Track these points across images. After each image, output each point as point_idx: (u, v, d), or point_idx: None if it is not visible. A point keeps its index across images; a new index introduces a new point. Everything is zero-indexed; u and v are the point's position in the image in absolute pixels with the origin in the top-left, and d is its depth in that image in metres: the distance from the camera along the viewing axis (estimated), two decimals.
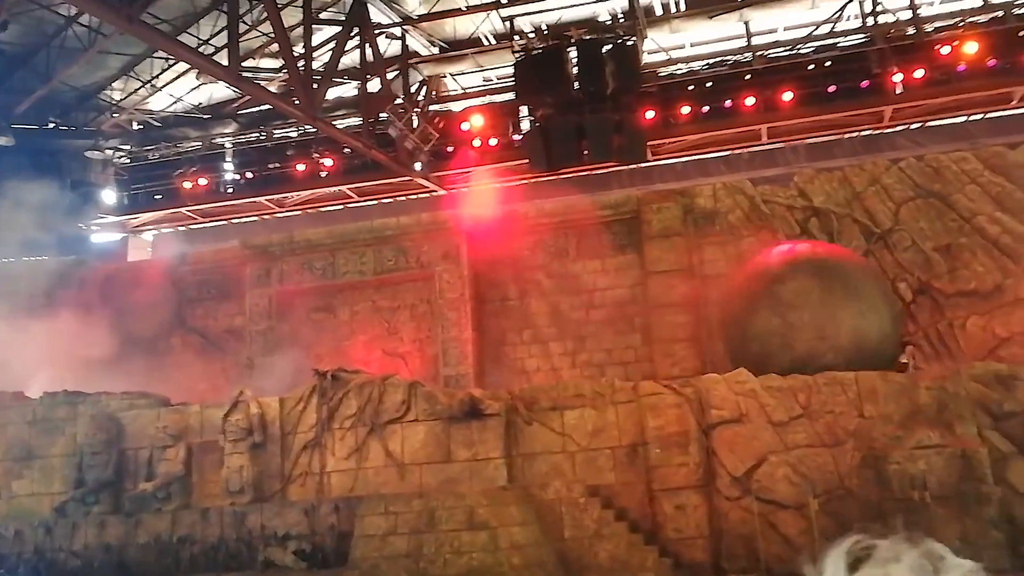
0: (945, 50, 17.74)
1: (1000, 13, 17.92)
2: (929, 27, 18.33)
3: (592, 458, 13.45)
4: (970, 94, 17.17)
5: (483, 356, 17.33)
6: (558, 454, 13.59)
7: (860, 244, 16.02)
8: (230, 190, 22.57)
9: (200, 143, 22.92)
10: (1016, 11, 17.94)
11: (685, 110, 19.55)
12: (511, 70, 18.32)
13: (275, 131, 22.64)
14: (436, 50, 21.10)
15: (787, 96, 18.72)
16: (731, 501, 12.72)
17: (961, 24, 18.09)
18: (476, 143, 20.40)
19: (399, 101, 19.66)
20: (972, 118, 17.91)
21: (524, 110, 19.92)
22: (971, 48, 17.56)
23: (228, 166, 22.89)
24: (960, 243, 15.61)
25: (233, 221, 23.45)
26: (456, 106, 21.49)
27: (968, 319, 15.13)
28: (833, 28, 19.24)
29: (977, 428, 12.51)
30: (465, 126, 20.61)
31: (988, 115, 17.67)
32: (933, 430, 12.45)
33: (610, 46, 16.42)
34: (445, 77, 22.01)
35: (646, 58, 18.64)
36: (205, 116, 22.71)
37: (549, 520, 12.99)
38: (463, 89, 22.39)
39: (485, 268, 17.75)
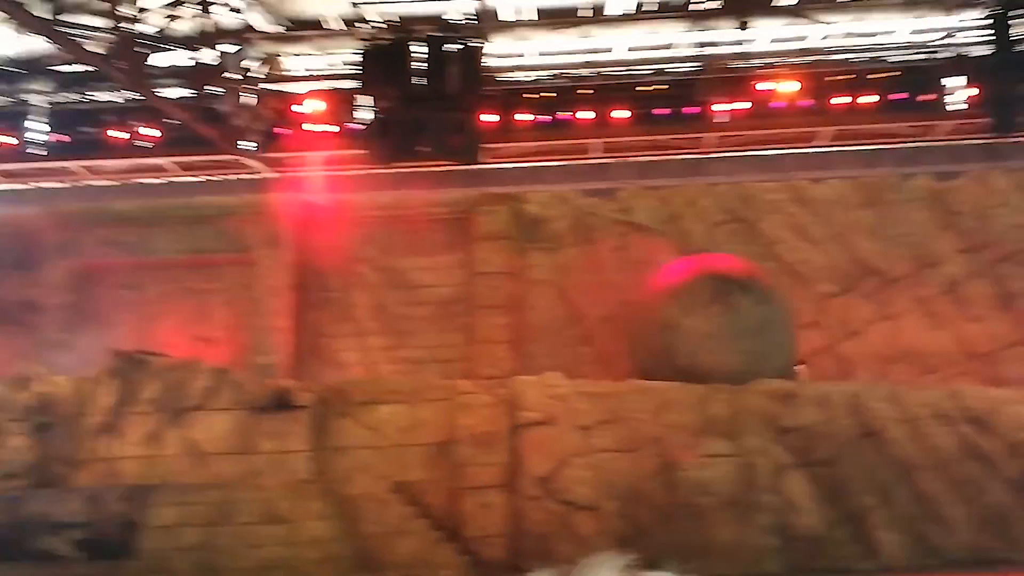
0: (765, 86, 18.85)
1: (815, 58, 19.28)
2: (753, 63, 19.47)
3: (402, 454, 13.39)
4: (783, 130, 18.36)
5: (300, 347, 16.92)
6: (368, 449, 13.44)
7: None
8: (39, 152, 20.88)
9: (10, 98, 21.08)
10: (829, 57, 19.36)
11: (525, 117, 19.84)
12: (355, 58, 17.99)
13: (96, 94, 21.15)
14: (279, 28, 20.40)
15: (621, 114, 19.37)
16: (533, 501, 13.01)
17: (781, 65, 19.33)
18: (312, 128, 19.83)
19: (234, 76, 18.86)
20: (783, 152, 19.18)
21: (365, 100, 19.62)
22: (788, 88, 18.75)
23: (39, 126, 21.18)
24: (763, 267, 16.68)
25: (40, 185, 21.72)
26: (294, 88, 20.84)
27: None
28: (668, 54, 20.09)
29: (762, 440, 13.39)
30: (301, 109, 20.00)
31: (797, 151, 18.98)
32: (723, 440, 13.22)
33: (456, 46, 16.47)
34: (285, 57, 21.31)
35: (492, 62, 18.82)
36: (18, 70, 20.93)
37: (351, 516, 12.83)
38: (304, 71, 21.76)
39: (309, 257, 17.34)
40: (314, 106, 20.04)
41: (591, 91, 19.75)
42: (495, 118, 19.60)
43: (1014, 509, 12.74)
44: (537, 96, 20.04)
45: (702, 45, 19.93)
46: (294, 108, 20.03)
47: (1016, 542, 12.41)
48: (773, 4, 18.97)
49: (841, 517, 12.50)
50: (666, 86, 19.53)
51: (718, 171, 18.59)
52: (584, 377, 14.93)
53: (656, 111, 19.27)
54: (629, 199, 17.38)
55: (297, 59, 21.32)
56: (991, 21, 15.32)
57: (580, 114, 19.56)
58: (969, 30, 17.67)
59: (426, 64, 16.26)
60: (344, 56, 21.39)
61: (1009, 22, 15.17)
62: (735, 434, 13.38)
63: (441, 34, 16.79)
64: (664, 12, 20.02)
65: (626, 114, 19.48)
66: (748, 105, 18.63)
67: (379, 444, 13.44)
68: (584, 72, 20.54)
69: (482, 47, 16.96)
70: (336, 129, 20.03)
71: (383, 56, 16.40)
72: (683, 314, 14.71)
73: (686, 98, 19.18)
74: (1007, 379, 15.23)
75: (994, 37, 15.33)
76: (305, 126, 19.84)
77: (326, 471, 13.38)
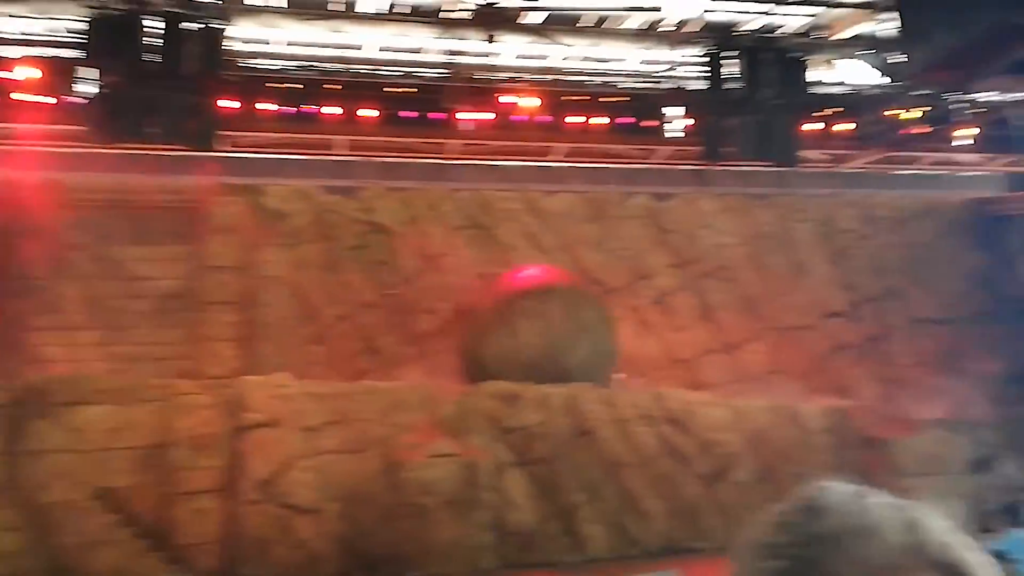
0: (508, 99, 19.55)
1: (556, 76, 20.31)
2: (498, 76, 20.15)
3: (107, 459, 12.43)
4: (522, 142, 19.16)
5: None
6: (69, 454, 12.34)
7: (412, 263, 16.99)
8: None
9: None
10: (568, 77, 20.47)
11: (267, 107, 19.16)
12: (80, 25, 16.48)
13: None
14: None
15: (369, 113, 19.26)
16: (252, 505, 12.60)
17: (524, 80, 20.16)
18: (22, 97, 17.92)
19: None
20: (522, 164, 20.03)
21: (89, 73, 18.04)
22: (529, 102, 19.57)
23: None
24: (496, 273, 17.30)
25: None
26: (4, 52, 18.71)
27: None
28: (417, 58, 20.30)
29: (486, 440, 13.88)
30: (12, 76, 18.01)
31: (534, 163, 19.89)
32: (449, 440, 13.54)
33: (196, 25, 15.59)
34: None
35: (235, 46, 18.02)
36: None
37: (46, 526, 11.73)
38: (18, 35, 19.61)
39: (8, 240, 15.61)
40: (27, 74, 18.14)
41: (339, 87, 19.48)
42: (235, 105, 18.79)
43: (704, 502, 14.14)
44: (282, 86, 19.43)
45: (451, 53, 20.37)
46: (2, 74, 18.01)
47: (705, 532, 13.77)
48: (520, 21, 19.81)
49: (553, 512, 13.23)
50: (414, 90, 19.69)
51: (460, 177, 19.01)
52: (315, 378, 14.69)
53: (403, 113, 19.35)
54: (371, 199, 17.33)
55: (10, 21, 19.20)
56: (706, 60, 16.92)
57: (326, 109, 19.22)
58: (688, 65, 19.44)
59: (162, 41, 15.27)
60: (67, 23, 19.57)
61: (721, 62, 16.84)
62: (461, 434, 13.76)
63: (180, 10, 15.85)
64: (416, 16, 20.25)
65: (373, 113, 19.41)
66: (491, 116, 19.24)
67: (82, 448, 12.39)
68: (333, 67, 20.24)
69: (225, 29, 16.21)
70: (53, 101, 18.27)
71: (113, 27, 15.21)
72: (524, 320, 15.32)
73: (433, 103, 19.43)
74: (704, 383, 16.89)
75: (708, 74, 16.95)
76: (14, 95, 17.91)
77: (19, 478, 12.13)
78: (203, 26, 15.83)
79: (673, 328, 17.86)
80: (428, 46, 20.41)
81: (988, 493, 14.88)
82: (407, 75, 20.26)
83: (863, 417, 15.82)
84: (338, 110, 19.15)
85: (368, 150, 20.01)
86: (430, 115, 18.95)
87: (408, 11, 20.33)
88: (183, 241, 16.39)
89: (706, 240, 18.84)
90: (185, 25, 15.68)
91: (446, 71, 20.28)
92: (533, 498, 13.51)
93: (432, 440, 13.50)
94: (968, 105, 17.95)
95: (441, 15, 20.11)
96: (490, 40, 19.53)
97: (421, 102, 19.61)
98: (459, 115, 18.76)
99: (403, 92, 19.63)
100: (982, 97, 18.62)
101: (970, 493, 15.00)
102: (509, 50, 21.31)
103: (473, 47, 20.58)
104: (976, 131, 18.55)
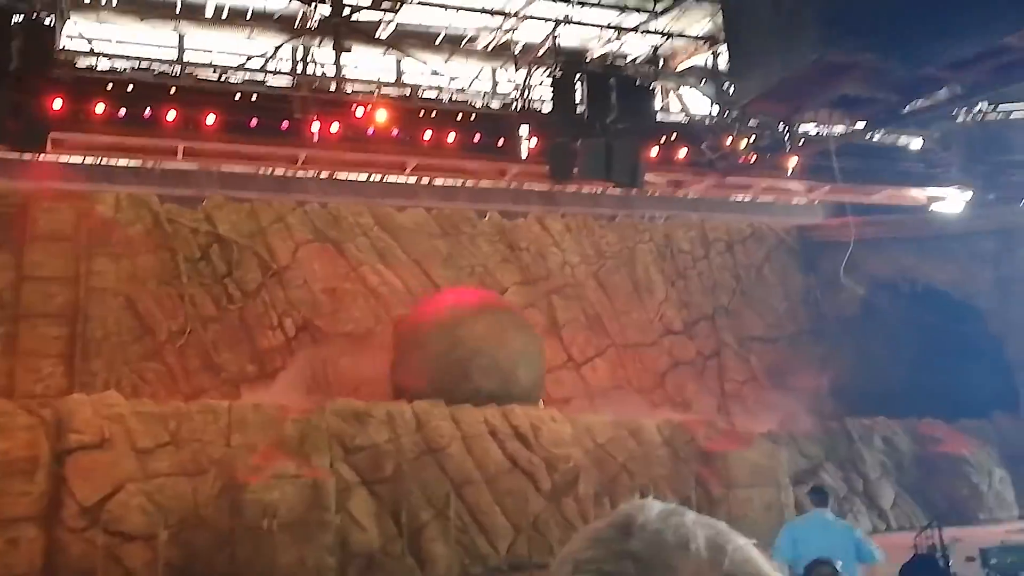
0: (360, 112, 19.30)
1: (408, 91, 20.26)
2: (349, 88, 19.89)
3: None
4: (374, 156, 18.96)
5: None
6: None
7: (256, 277, 16.46)
8: None
9: None
10: (421, 93, 20.45)
11: (99, 108, 18.08)
12: None
13: None
14: None
15: (210, 119, 18.51)
16: (75, 533, 11.79)
17: (376, 92, 19.99)
18: None
19: None
20: (373, 178, 19.82)
21: None
22: (381, 116, 19.37)
23: None
24: (345, 288, 17.04)
25: None
26: None
27: (341, 358, 16.50)
28: (265, 65, 19.73)
29: (331, 460, 13.57)
30: None
31: (386, 178, 19.74)
32: (292, 460, 13.15)
33: (25, 17, 14.54)
34: None
35: (65, 43, 16.94)
36: None
37: None
38: None
39: None
40: None
41: (180, 91, 18.65)
42: (65, 105, 17.66)
43: (550, 517, 14.36)
44: (118, 88, 18.42)
45: (303, 62, 19.95)
46: None
47: (551, 547, 13.96)
48: (374, 34, 19.66)
49: (398, 532, 13.07)
50: (262, 98, 19.11)
51: (308, 190, 18.60)
52: (149, 396, 13.94)
53: (249, 122, 18.75)
54: (213, 209, 16.67)
55: None
56: (555, 82, 17.35)
57: (166, 114, 18.36)
58: (539, 87, 19.88)
59: None
60: None
61: (569, 85, 17.30)
62: (305, 454, 13.39)
63: (6, 1, 14.76)
64: (265, 22, 19.73)
65: (217, 120, 18.70)
66: (342, 128, 18.94)
67: None
68: (174, 70, 19.38)
69: (57, 25, 15.21)
70: None
71: None
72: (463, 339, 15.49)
73: (281, 112, 18.93)
74: (549, 399, 17.21)
75: (556, 96, 17.38)
76: None
77: None
78: (32, 20, 14.81)
79: None
80: (279, 54, 19.93)
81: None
82: (255, 83, 19.66)
83: (699, 431, 16.57)
84: (176, 114, 18.34)
85: (210, 158, 19.25)
86: (278, 125, 18.46)
87: (258, 16, 19.82)
88: (1, 249, 15.19)
89: (554, 258, 19.26)
90: (13, 18, 14.63)
91: (297, 81, 19.84)
92: (378, 518, 13.32)
93: (274, 461, 13.06)
94: (792, 136, 19.24)
95: (294, 24, 19.74)
96: (344, 51, 19.29)
97: (268, 111, 19.05)
98: (309, 126, 18.38)
99: (250, 100, 19.04)
100: (805, 129, 20.04)
101: (795, 502, 16.00)
102: (363, 62, 21.13)
103: (326, 57, 20.24)
104: (799, 161, 19.93)
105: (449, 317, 15.72)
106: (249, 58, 19.62)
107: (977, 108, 22.81)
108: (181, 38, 19.61)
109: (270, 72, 19.76)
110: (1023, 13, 10.35)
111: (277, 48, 19.85)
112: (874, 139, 21.10)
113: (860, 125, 17.22)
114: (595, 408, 16.94)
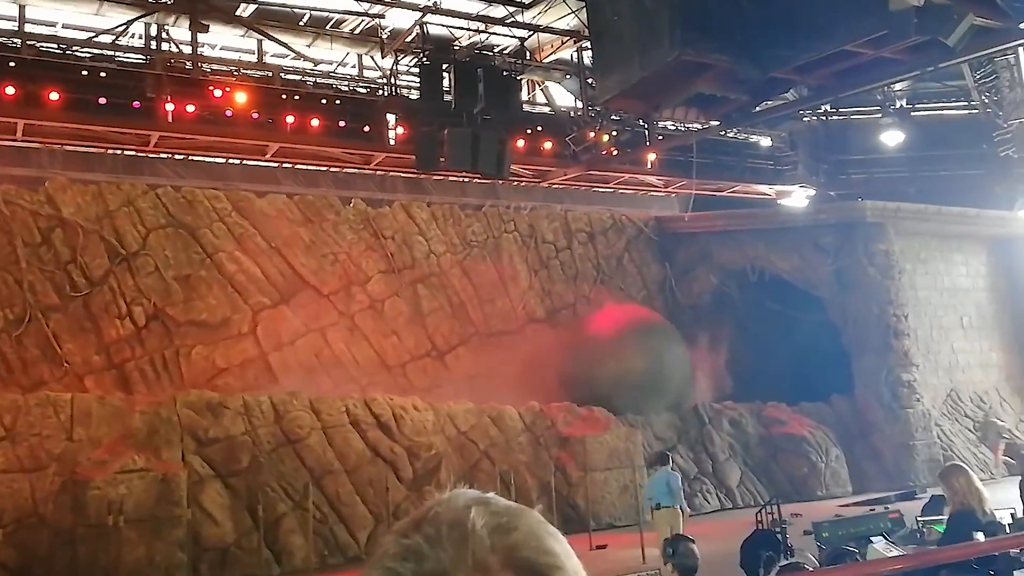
0: (218, 93, 18.63)
1: (270, 73, 19.69)
2: (207, 67, 19.16)
3: None
4: (233, 139, 18.34)
5: None
6: None
7: (103, 263, 15.67)
8: None
9: None
10: (283, 75, 19.92)
11: None
12: None
13: None
14: None
15: (54, 96, 17.44)
16: None
17: (236, 73, 19.33)
18: None
19: None
20: (231, 161, 19.17)
21: None
22: (240, 97, 18.77)
23: None
24: (199, 275, 16.44)
25: None
26: None
27: (195, 348, 15.93)
28: (115, 40, 18.76)
29: (182, 453, 13.13)
30: None
31: (245, 162, 19.13)
32: (140, 454, 12.65)
33: None
34: None
35: None
36: None
37: None
38: None
39: None
40: None
41: (21, 65, 17.50)
42: None
43: (412, 506, 14.35)
44: None
45: (157, 40, 19.06)
46: None
47: None
48: (234, 13, 18.98)
49: (254, 525, 12.79)
50: (112, 75, 18.16)
51: (160, 173, 17.84)
52: None
53: (97, 99, 17.79)
54: (55, 191, 15.75)
55: None
56: (423, 70, 17.27)
57: (4, 89, 17.18)
58: (407, 75, 19.73)
59: None
60: None
61: (436, 74, 17.26)
62: (154, 448, 12.90)
63: None
64: None
65: (61, 97, 17.65)
66: (199, 109, 18.25)
67: None
68: (12, 42, 18.17)
69: None
70: None
71: None
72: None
73: (133, 91, 18.05)
74: (413, 388, 17.20)
75: (423, 84, 17.31)
76: None
77: None
78: None
79: (384, 333, 18.00)
80: (130, 29, 18.97)
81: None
82: (104, 59, 18.65)
83: (559, 417, 16.96)
84: (15, 90, 17.19)
85: (53, 137, 18.15)
86: (128, 103, 17.59)
87: None
88: None
89: (419, 248, 19.21)
90: None
91: (149, 58, 18.95)
92: (233, 511, 12.98)
93: (120, 455, 12.52)
94: (652, 132, 19.90)
95: None
96: (201, 29, 18.56)
97: (118, 88, 18.14)
98: (162, 105, 17.60)
99: (98, 77, 18.06)
100: (664, 125, 20.77)
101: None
102: (222, 41, 20.38)
103: (182, 35, 19.41)
104: (658, 156, 20.65)
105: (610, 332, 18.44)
106: (98, 33, 18.61)
107: (822, 110, 24.28)
108: (22, 8, 18.36)
109: (121, 49, 18.81)
110: (862, 23, 11.12)
111: (129, 23, 18.91)
112: (727, 136, 22.10)
113: (714, 123, 17.97)
114: (459, 396, 17.04)
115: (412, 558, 0.88)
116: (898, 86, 22.05)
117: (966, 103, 23.67)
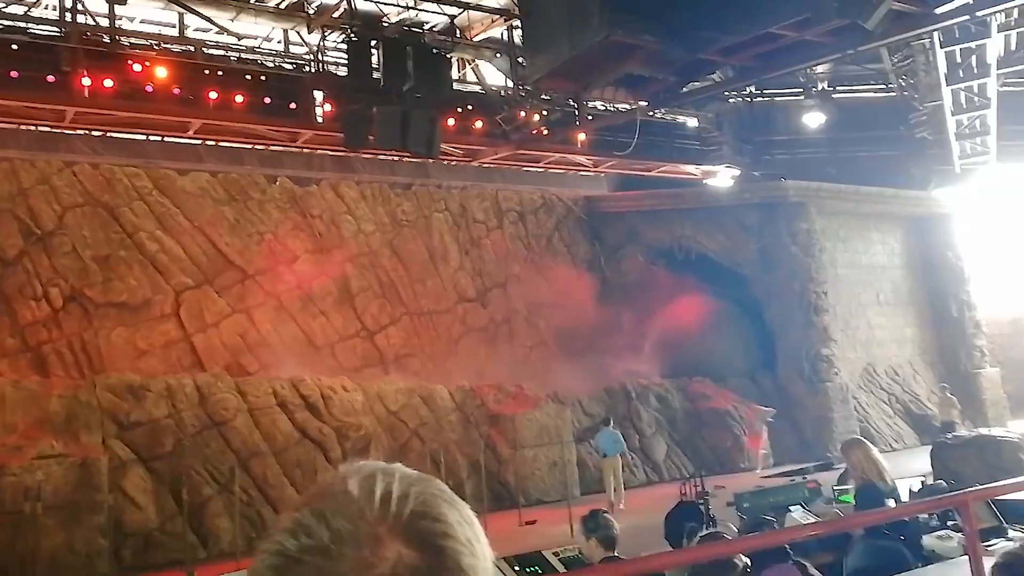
0: (137, 68, 18.02)
1: (192, 48, 19.12)
2: (126, 41, 18.51)
3: None
4: (153, 115, 17.80)
5: None
6: None
7: (16, 243, 15.10)
8: None
9: None
10: (206, 50, 19.37)
11: None
12: None
13: None
14: None
15: None
16: None
17: (156, 47, 18.72)
18: None
19: None
20: (152, 138, 18.59)
21: None
22: (161, 72, 18.19)
23: None
24: (119, 255, 15.96)
25: None
26: None
27: (115, 330, 15.48)
28: (28, 11, 17.99)
29: (103, 437, 12.80)
30: None
31: (166, 139, 18.58)
32: (58, 439, 12.30)
33: None
34: None
35: None
36: None
37: None
38: None
39: None
40: None
41: None
42: None
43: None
44: None
45: (72, 11, 18.31)
46: None
47: None
48: None
49: (178, 510, 12.56)
50: (24, 47, 17.42)
51: (77, 150, 17.22)
52: None
53: (8, 73, 17.04)
54: None
55: None
56: (351, 47, 16.97)
57: None
58: (334, 51, 19.39)
59: None
60: None
61: (364, 50, 16.98)
62: (72, 432, 12.55)
63: None
64: None
65: None
66: (117, 84, 17.64)
67: None
68: None
69: None
70: None
71: None
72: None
73: (47, 64, 17.34)
74: (342, 368, 17.04)
75: (351, 61, 17.02)
76: None
77: None
78: None
79: (312, 314, 17.77)
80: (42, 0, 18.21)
81: (589, 459, 16.86)
82: (15, 31, 17.86)
83: (489, 395, 17.03)
84: None
85: None
86: (46, 78, 16.90)
87: None
88: None
89: (348, 227, 18.98)
90: None
91: (61, 29, 18.21)
92: (156, 495, 12.74)
93: (37, 440, 12.14)
94: (581, 112, 20.00)
95: None
96: (116, 1, 17.91)
97: (31, 62, 17.41)
98: (78, 79, 16.95)
99: (7, 50, 17.31)
100: (593, 105, 20.88)
101: (576, 459, 16.86)
102: (141, 13, 19.71)
103: (97, 6, 18.70)
104: (587, 135, 20.77)
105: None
106: (9, 3, 17.80)
107: (747, 91, 24.73)
108: None
109: (34, 20, 18.04)
110: (786, 6, 11.36)
111: None
112: (655, 117, 22.34)
113: (642, 103, 18.14)
114: (388, 376, 16.96)
115: (301, 532, 0.86)
116: (820, 69, 22.57)
117: (884, 86, 24.38)
